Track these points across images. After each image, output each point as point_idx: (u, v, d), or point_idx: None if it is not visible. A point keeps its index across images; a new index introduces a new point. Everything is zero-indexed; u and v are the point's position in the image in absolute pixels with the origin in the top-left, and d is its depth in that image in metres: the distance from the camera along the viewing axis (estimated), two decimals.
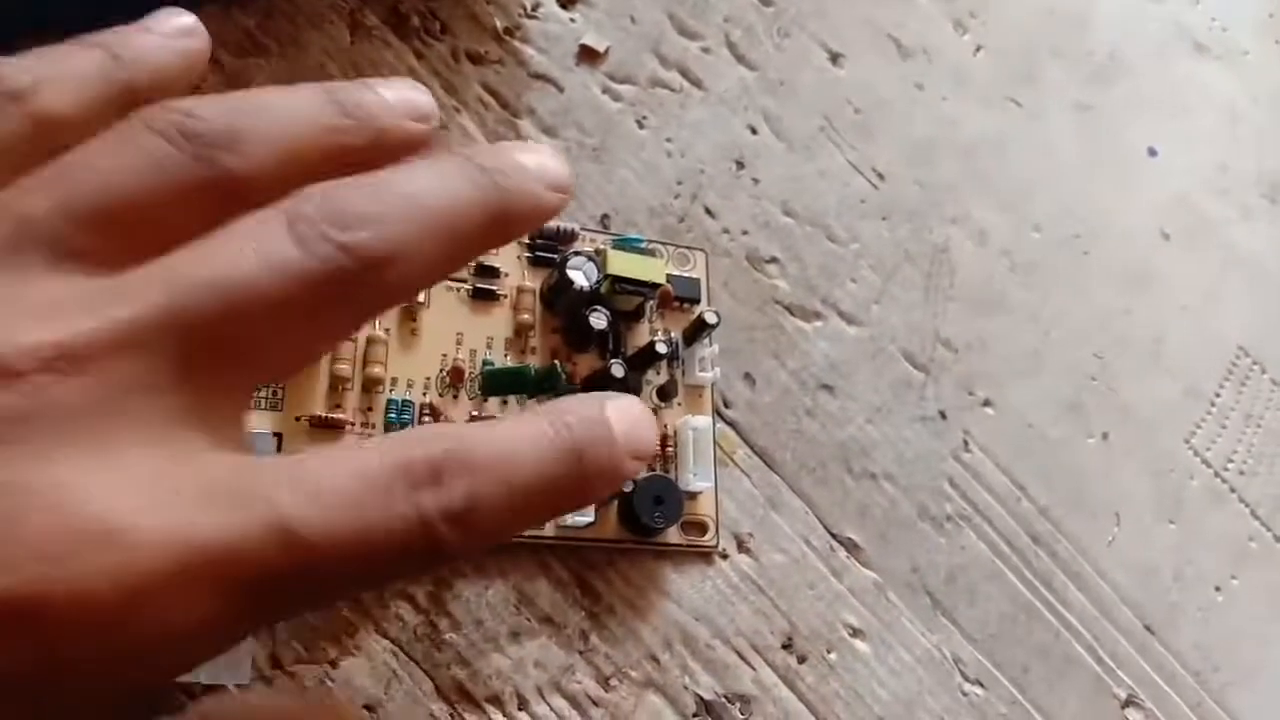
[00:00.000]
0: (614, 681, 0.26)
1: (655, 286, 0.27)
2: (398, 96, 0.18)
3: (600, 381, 0.26)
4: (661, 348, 0.26)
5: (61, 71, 0.16)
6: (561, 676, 0.25)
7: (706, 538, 0.27)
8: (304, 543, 0.13)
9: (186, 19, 0.18)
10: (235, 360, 0.14)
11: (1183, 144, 0.41)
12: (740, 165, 0.32)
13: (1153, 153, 0.41)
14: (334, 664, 0.23)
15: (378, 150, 0.17)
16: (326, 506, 0.13)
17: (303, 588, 0.14)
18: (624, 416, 0.17)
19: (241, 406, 0.16)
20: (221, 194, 0.15)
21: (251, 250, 0.14)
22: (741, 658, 0.27)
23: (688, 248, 0.30)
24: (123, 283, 0.14)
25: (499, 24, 0.30)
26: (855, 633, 0.29)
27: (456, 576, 0.25)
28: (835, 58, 0.35)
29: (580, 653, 0.25)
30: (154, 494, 0.13)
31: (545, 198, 0.18)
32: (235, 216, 0.15)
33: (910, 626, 0.30)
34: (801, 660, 0.28)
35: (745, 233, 0.32)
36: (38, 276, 0.14)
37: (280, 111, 0.16)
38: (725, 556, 0.28)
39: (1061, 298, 0.36)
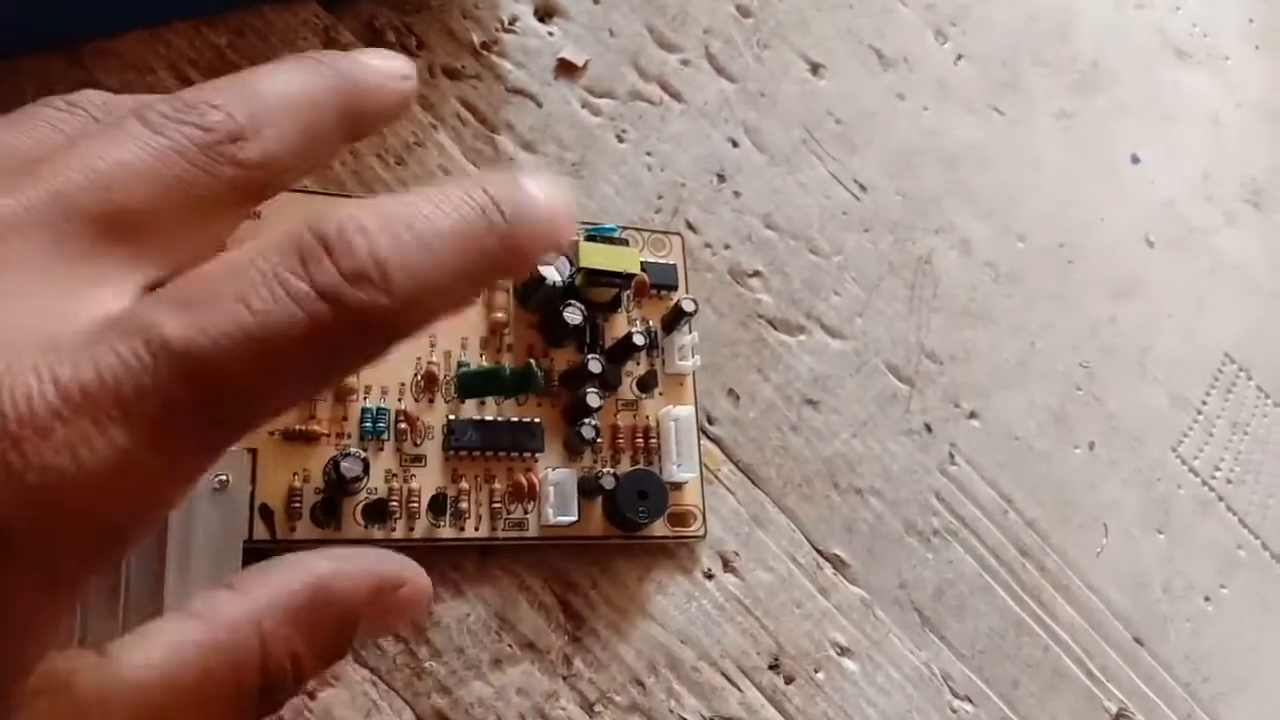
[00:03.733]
0: (599, 707, 0.25)
1: (630, 276, 0.27)
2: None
3: (578, 376, 0.26)
4: (639, 339, 0.26)
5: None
6: (545, 703, 0.25)
7: (693, 528, 0.27)
8: (192, 359, 0.12)
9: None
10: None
11: (1166, 151, 0.41)
12: (721, 178, 0.32)
13: (1136, 160, 0.41)
14: (312, 695, 0.23)
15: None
16: (206, 316, 0.12)
17: (216, 408, 0.13)
18: (539, 180, 0.15)
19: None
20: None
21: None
22: (728, 679, 0.27)
23: (663, 232, 0.29)
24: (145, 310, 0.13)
25: (476, 39, 0.30)
26: (843, 651, 0.28)
27: (436, 602, 0.24)
28: (816, 69, 0.35)
29: (564, 678, 0.25)
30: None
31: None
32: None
33: (898, 644, 0.29)
34: (789, 681, 0.27)
35: (727, 247, 0.31)
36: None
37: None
38: (710, 576, 0.28)
39: (1046, 308, 0.36)
